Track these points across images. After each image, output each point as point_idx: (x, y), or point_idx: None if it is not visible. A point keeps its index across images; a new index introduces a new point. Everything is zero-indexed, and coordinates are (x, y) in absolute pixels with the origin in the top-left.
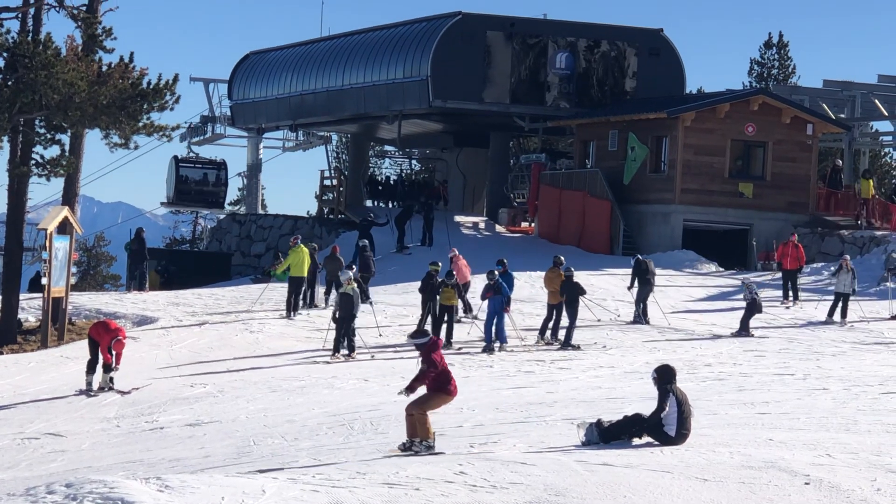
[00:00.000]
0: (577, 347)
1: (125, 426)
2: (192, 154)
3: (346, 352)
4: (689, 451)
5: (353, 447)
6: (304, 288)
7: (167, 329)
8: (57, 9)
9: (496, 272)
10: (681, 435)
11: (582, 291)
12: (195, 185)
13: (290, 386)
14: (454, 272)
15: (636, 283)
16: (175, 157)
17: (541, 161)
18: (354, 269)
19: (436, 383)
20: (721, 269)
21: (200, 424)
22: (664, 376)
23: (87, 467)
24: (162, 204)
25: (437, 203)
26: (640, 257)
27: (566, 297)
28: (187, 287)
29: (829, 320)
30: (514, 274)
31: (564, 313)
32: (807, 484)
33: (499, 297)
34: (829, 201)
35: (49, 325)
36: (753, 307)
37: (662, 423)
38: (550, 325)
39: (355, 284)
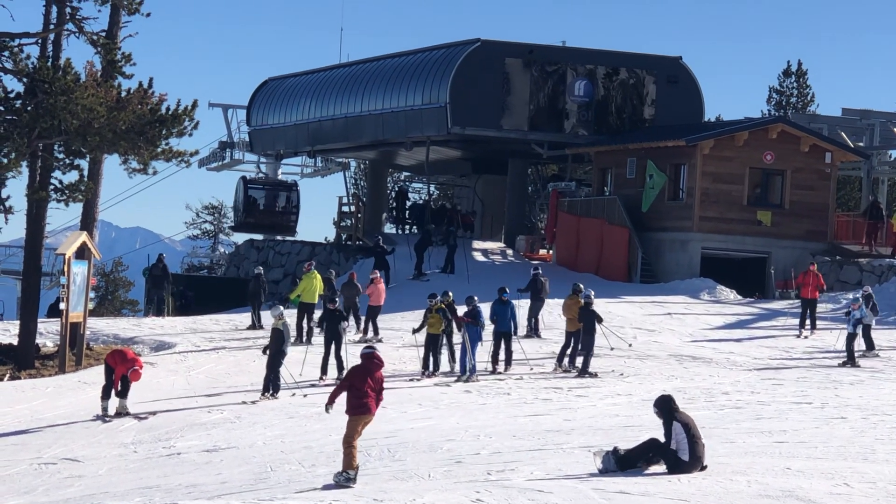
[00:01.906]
0: (595, 375)
1: (142, 452)
2: (260, 175)
3: (271, 392)
4: (707, 479)
5: (370, 473)
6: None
7: (185, 354)
8: (76, 34)
9: (475, 298)
10: (695, 458)
11: (599, 319)
12: (265, 208)
13: (308, 412)
14: (369, 294)
15: (530, 298)
16: (243, 178)
17: (571, 189)
18: (281, 308)
19: (352, 402)
20: (739, 297)
21: (217, 450)
22: (664, 406)
23: (104, 493)
24: (230, 229)
25: (467, 232)
26: (538, 274)
27: (583, 324)
28: (205, 313)
29: (869, 351)
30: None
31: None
32: None
33: (474, 327)
34: (872, 234)
35: (67, 350)
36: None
37: (676, 449)
38: (568, 352)
39: (287, 320)
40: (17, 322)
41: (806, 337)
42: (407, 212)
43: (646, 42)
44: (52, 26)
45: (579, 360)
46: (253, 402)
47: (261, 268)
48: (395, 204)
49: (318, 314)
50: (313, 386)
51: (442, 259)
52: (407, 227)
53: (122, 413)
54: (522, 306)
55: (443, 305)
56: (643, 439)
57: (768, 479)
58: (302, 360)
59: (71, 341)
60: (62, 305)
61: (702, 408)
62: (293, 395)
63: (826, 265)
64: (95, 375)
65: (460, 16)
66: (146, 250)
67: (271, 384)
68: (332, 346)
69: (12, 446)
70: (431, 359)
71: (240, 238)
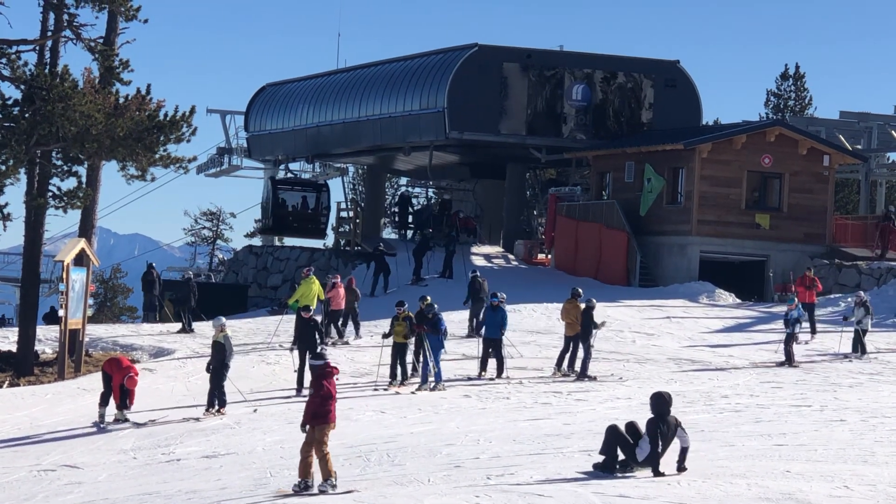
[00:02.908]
0: (594, 379)
1: (142, 458)
2: (289, 175)
3: (216, 407)
4: (706, 482)
5: (370, 479)
6: (339, 321)
7: (184, 360)
8: (74, 41)
9: (435, 305)
10: (648, 460)
11: (595, 325)
12: (294, 209)
13: None
14: (330, 298)
15: (470, 301)
16: (272, 179)
17: (576, 193)
18: (223, 320)
19: (314, 411)
20: (738, 300)
21: (217, 456)
22: (660, 407)
23: (104, 499)
24: (257, 231)
25: (470, 237)
26: (476, 275)
27: (582, 328)
28: (204, 319)
29: (862, 354)
30: (531, 306)
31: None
32: None
33: (435, 336)
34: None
35: (66, 357)
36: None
37: (636, 446)
38: (567, 356)
39: (228, 332)
40: (16, 329)
41: (807, 342)
42: (411, 217)
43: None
44: (49, 33)
45: (578, 364)
46: (197, 420)
47: (191, 272)
48: (397, 210)
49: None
50: (287, 398)
51: (441, 264)
52: (410, 233)
53: (120, 420)
54: (520, 310)
55: (409, 314)
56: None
57: (768, 482)
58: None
59: (70, 348)
60: (61, 312)
61: (701, 411)
62: (254, 410)
63: (825, 268)
64: (94, 382)
65: (458, 21)
66: (145, 257)
67: (216, 399)
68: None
69: (11, 453)
70: (399, 367)
71: (238, 244)
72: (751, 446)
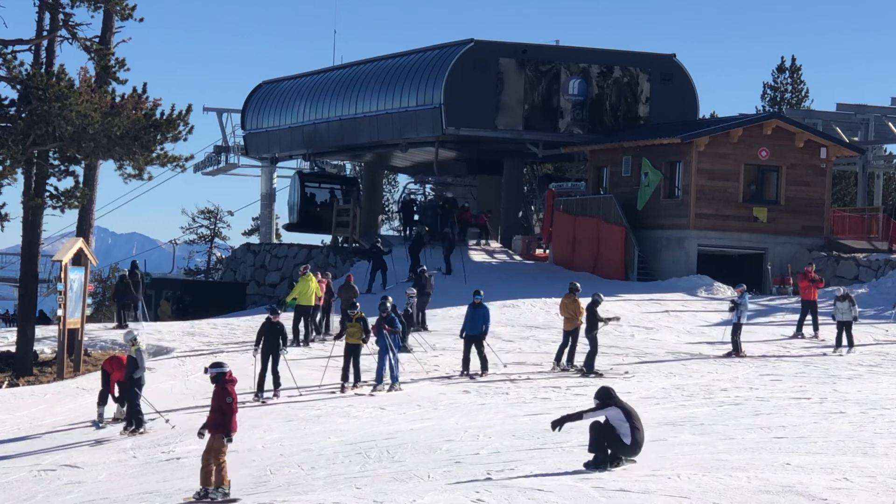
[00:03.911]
0: (600, 374)
1: (141, 457)
2: (316, 169)
3: (132, 427)
4: (706, 476)
5: (370, 475)
6: (318, 317)
7: (183, 359)
8: (70, 41)
9: (389, 305)
10: (635, 444)
11: (602, 320)
12: (323, 205)
13: (307, 415)
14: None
15: (416, 294)
16: (299, 174)
17: (579, 189)
18: (135, 333)
19: (213, 421)
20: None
21: None
22: (604, 396)
23: (104, 499)
24: (284, 227)
25: (485, 235)
26: (424, 270)
27: (587, 323)
28: (202, 317)
29: (836, 349)
30: (529, 301)
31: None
32: None
33: (392, 335)
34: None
35: (65, 357)
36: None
37: (618, 433)
38: (566, 351)
39: (141, 346)
40: (15, 329)
41: (805, 336)
42: (416, 216)
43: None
44: (45, 33)
45: (578, 359)
46: (97, 444)
47: (126, 271)
48: (400, 215)
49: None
50: (250, 402)
51: (438, 260)
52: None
53: (119, 419)
54: (519, 305)
55: (363, 315)
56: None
57: (768, 474)
58: (296, 364)
59: (69, 348)
60: (59, 312)
61: (700, 404)
62: (172, 426)
63: (822, 260)
64: (93, 381)
65: (453, 17)
66: (143, 256)
67: (133, 418)
68: (270, 361)
69: (11, 453)
70: (352, 369)
71: (236, 242)
72: (750, 439)
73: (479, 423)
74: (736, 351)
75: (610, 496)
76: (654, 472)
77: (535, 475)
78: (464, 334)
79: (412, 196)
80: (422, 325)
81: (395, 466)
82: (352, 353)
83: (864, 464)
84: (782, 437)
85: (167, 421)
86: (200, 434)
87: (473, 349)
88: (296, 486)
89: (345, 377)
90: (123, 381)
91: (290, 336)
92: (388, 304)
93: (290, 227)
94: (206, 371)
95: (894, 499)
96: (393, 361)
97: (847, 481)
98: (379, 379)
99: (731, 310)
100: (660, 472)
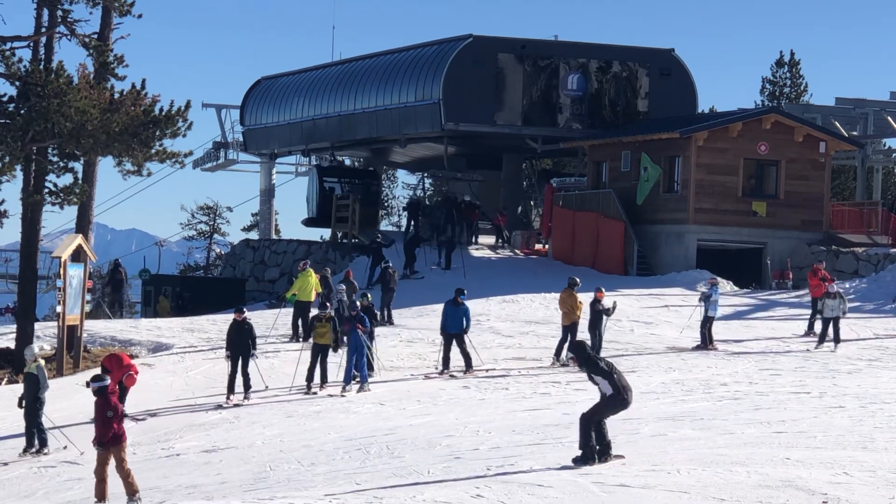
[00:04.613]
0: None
1: (141, 453)
2: (335, 162)
3: (36, 447)
4: (706, 470)
5: (370, 471)
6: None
7: (182, 355)
8: (69, 37)
9: (358, 303)
10: (618, 388)
11: (606, 312)
12: (343, 199)
13: (306, 411)
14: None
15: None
16: (317, 167)
17: (581, 184)
18: (36, 349)
19: (100, 435)
20: (736, 288)
21: (216, 451)
22: (580, 353)
23: None
24: (303, 223)
25: (502, 236)
26: (388, 267)
27: (590, 319)
28: (202, 313)
29: (819, 345)
30: (529, 296)
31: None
32: (824, 502)
33: (365, 334)
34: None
35: (64, 353)
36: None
37: (604, 391)
38: (566, 346)
39: (42, 362)
40: (14, 326)
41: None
42: (430, 215)
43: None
44: (43, 29)
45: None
46: (3, 465)
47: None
48: (408, 219)
49: (314, 312)
50: (220, 407)
51: (434, 256)
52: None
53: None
54: (518, 300)
55: (332, 315)
56: (643, 432)
57: (768, 469)
58: (296, 360)
59: (68, 344)
60: (59, 308)
61: (700, 399)
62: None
63: (822, 255)
64: None
65: (452, 12)
66: (142, 252)
67: (36, 438)
68: (240, 363)
69: (11, 450)
70: (319, 370)
71: (235, 238)
72: (750, 434)
73: (478, 418)
74: (705, 343)
75: (610, 491)
76: (653, 467)
77: (535, 470)
78: (443, 332)
79: (418, 197)
80: (388, 321)
81: (395, 462)
82: (319, 354)
83: (863, 458)
84: (782, 431)
85: (65, 447)
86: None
87: (455, 347)
88: (296, 481)
89: (310, 378)
90: (120, 385)
91: (294, 332)
92: (359, 303)
93: (309, 223)
94: (87, 385)
95: (894, 493)
96: (362, 361)
97: (847, 476)
98: (347, 379)
99: (701, 300)
100: (659, 466)
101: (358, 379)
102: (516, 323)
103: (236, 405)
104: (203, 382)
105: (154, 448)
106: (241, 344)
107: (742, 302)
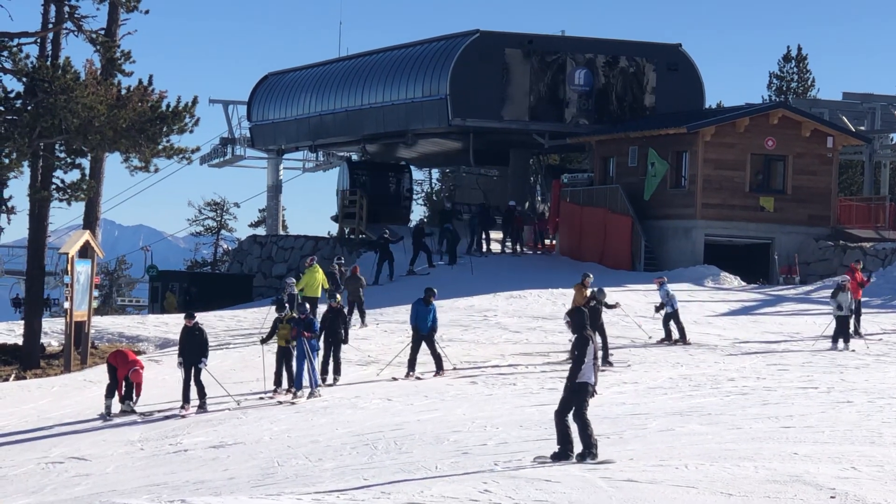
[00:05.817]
0: (611, 365)
1: (149, 449)
2: (366, 156)
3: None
4: (714, 465)
5: (377, 467)
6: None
7: None
8: (76, 33)
9: (307, 305)
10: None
11: (608, 306)
12: (373, 194)
13: (314, 406)
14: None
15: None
16: (348, 161)
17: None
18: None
19: None
20: (743, 283)
21: (224, 446)
22: (578, 319)
23: (112, 491)
24: (332, 219)
25: (540, 245)
26: (341, 263)
27: (589, 318)
28: (209, 309)
29: (834, 346)
30: (536, 292)
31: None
32: (832, 497)
33: (310, 340)
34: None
35: (72, 349)
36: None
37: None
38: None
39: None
40: (22, 322)
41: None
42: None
43: (645, 30)
44: (50, 25)
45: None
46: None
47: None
48: (414, 245)
49: (322, 308)
50: (168, 417)
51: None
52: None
53: (127, 412)
54: (525, 296)
55: (294, 315)
56: (650, 427)
57: (775, 464)
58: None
59: (76, 340)
60: (66, 304)
61: (708, 394)
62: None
63: (829, 250)
64: (101, 374)
65: (459, 7)
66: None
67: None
68: (193, 371)
69: (19, 446)
70: (285, 373)
71: (242, 234)
72: (758, 429)
73: (486, 413)
74: (668, 337)
75: (618, 486)
76: (661, 462)
77: (543, 466)
78: (415, 332)
79: (452, 204)
80: (362, 320)
81: (403, 458)
82: (284, 356)
83: (871, 453)
84: (790, 426)
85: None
86: None
87: (424, 348)
88: (303, 477)
89: (277, 382)
90: (126, 380)
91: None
92: (308, 306)
93: (338, 218)
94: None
95: None
96: (312, 366)
97: (855, 470)
98: (298, 385)
99: (658, 308)
100: (667, 461)
101: (307, 384)
102: (523, 318)
103: (192, 412)
104: (211, 378)
105: (161, 444)
106: (192, 352)
107: (749, 297)
